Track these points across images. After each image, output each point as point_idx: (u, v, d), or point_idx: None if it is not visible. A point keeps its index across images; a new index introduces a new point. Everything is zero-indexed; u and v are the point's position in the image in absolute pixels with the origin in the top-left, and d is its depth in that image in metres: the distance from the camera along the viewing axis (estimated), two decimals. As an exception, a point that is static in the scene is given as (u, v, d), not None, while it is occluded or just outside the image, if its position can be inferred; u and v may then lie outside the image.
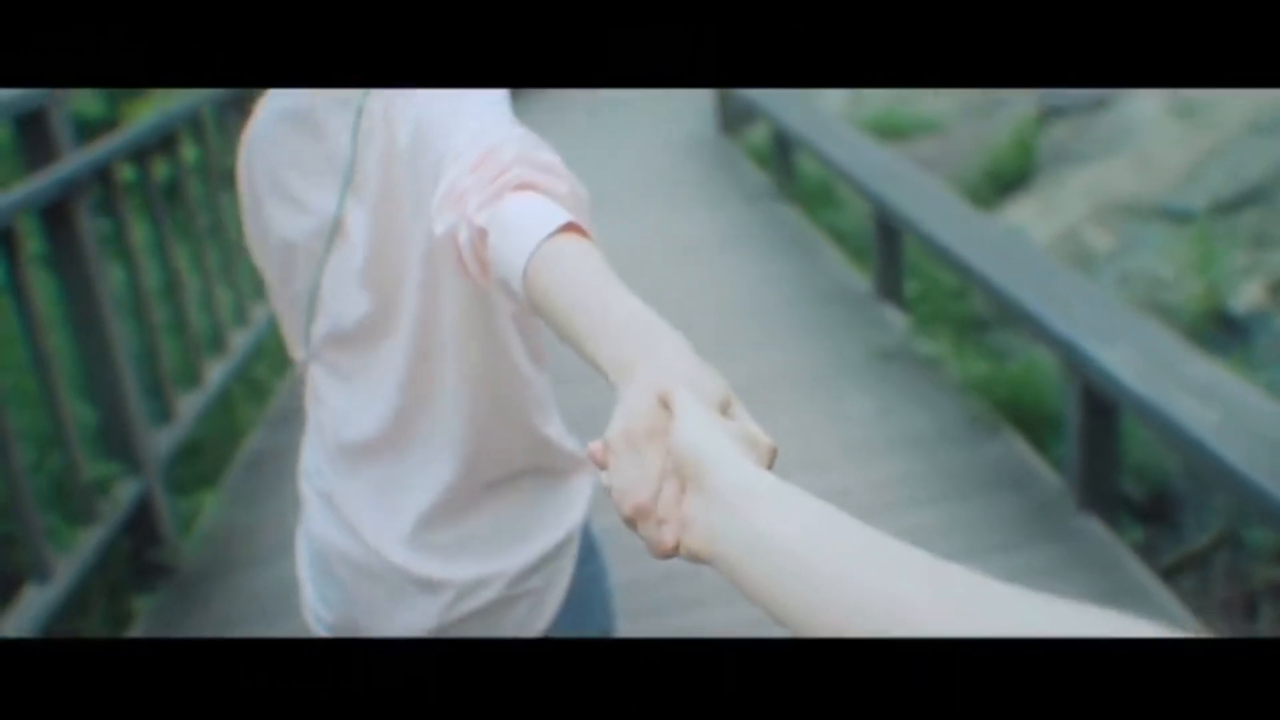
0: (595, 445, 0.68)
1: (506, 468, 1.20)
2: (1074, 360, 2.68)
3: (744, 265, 4.74)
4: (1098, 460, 2.73)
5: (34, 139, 2.66)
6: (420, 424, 1.16)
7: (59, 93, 2.69)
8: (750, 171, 6.21)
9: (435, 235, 0.92)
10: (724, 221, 5.37)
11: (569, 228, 0.83)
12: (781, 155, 5.63)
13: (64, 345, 2.90)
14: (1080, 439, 2.72)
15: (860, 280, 4.40)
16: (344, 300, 1.14)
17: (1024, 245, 3.64)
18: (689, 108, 8.09)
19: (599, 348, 0.73)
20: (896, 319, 3.99)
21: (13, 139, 2.69)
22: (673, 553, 0.63)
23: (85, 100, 6.97)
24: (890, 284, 4.12)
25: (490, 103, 1.02)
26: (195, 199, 3.63)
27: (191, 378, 3.37)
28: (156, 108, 10.69)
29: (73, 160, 2.71)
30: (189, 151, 3.73)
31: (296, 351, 1.25)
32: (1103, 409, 2.67)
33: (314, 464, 1.26)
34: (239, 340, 3.74)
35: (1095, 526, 2.70)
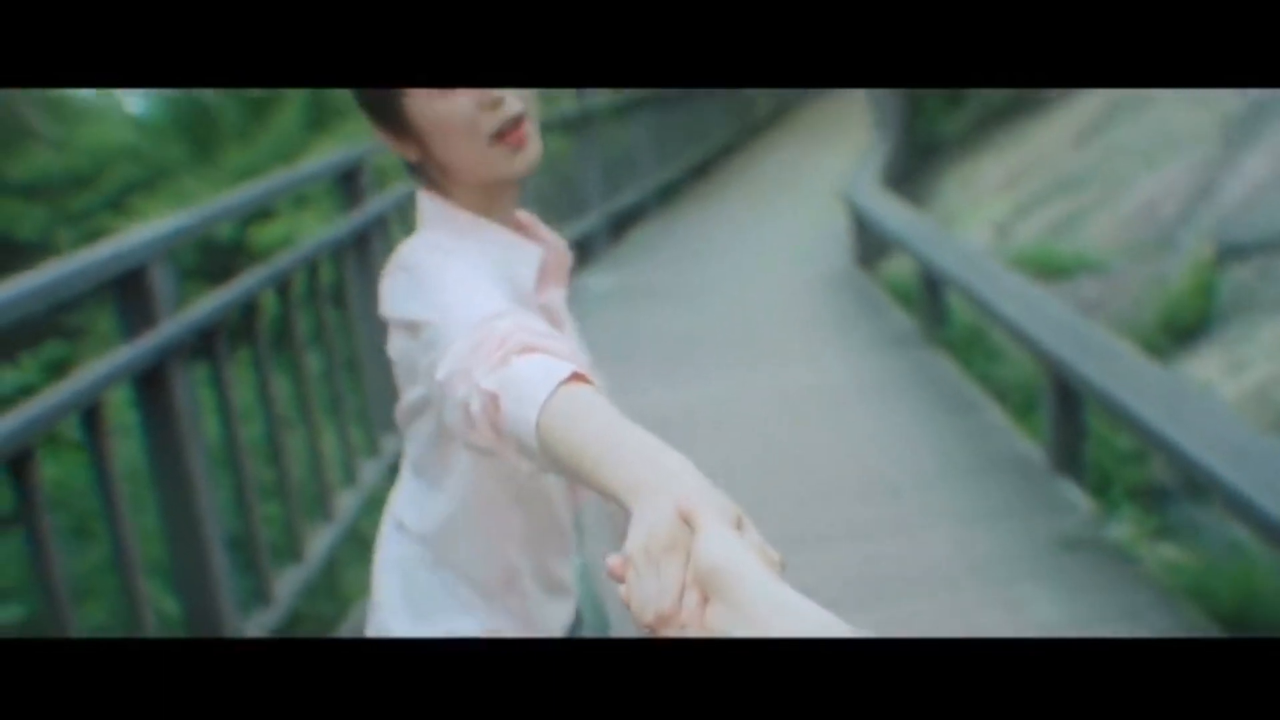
0: (615, 560, 0.74)
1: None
2: (1338, 588, 2.18)
3: (889, 423, 4.30)
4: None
5: (133, 302, 2.42)
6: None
7: (161, 249, 2.46)
8: (891, 311, 5.80)
9: (445, 419, 1.03)
10: (865, 369, 4.96)
11: (574, 377, 0.90)
12: (929, 295, 5.22)
13: (148, 522, 2.62)
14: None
15: (1028, 446, 3.92)
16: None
17: (1234, 419, 3.14)
18: (822, 236, 7.78)
19: (611, 474, 0.79)
20: (1077, 498, 3.50)
21: (112, 302, 2.45)
22: None
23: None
24: (1068, 455, 3.64)
25: (476, 285, 1.13)
26: (304, 338, 3.37)
27: (291, 550, 3.07)
28: (283, 229, 10.79)
29: (174, 324, 2.46)
30: (299, 281, 3.48)
31: None
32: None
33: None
34: (346, 503, 3.44)
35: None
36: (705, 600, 0.68)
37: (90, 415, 2.23)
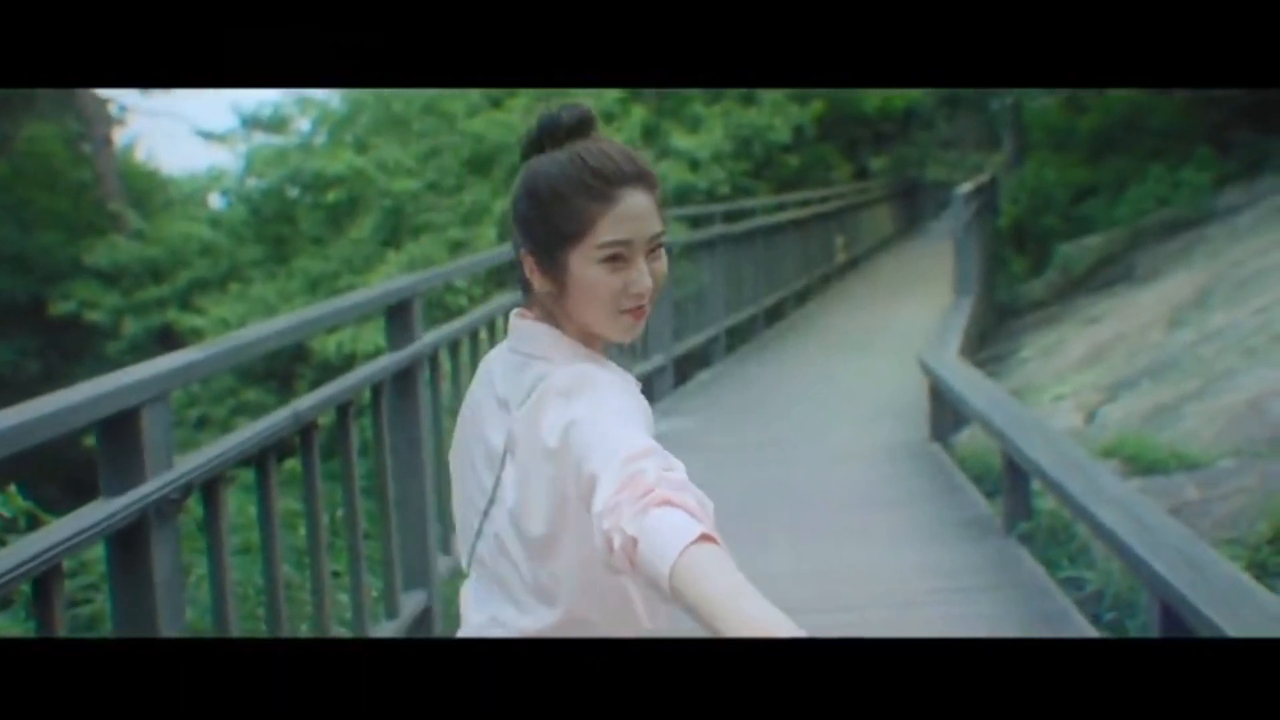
0: None
1: None
2: None
3: (964, 635, 3.84)
4: None
5: (116, 450, 2.12)
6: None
7: (156, 390, 2.18)
8: (967, 492, 5.36)
9: (596, 541, 1.21)
10: (935, 559, 4.50)
11: (702, 537, 1.12)
12: (1012, 483, 4.79)
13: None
14: None
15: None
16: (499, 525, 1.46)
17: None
18: (894, 399, 7.39)
19: (727, 628, 1.03)
20: None
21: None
22: None
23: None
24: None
25: (626, 417, 1.33)
26: (321, 480, 3.06)
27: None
28: (344, 337, 10.56)
29: (161, 479, 2.16)
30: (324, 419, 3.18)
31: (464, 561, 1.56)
32: None
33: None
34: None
35: None
36: None
37: (42, 581, 1.92)
